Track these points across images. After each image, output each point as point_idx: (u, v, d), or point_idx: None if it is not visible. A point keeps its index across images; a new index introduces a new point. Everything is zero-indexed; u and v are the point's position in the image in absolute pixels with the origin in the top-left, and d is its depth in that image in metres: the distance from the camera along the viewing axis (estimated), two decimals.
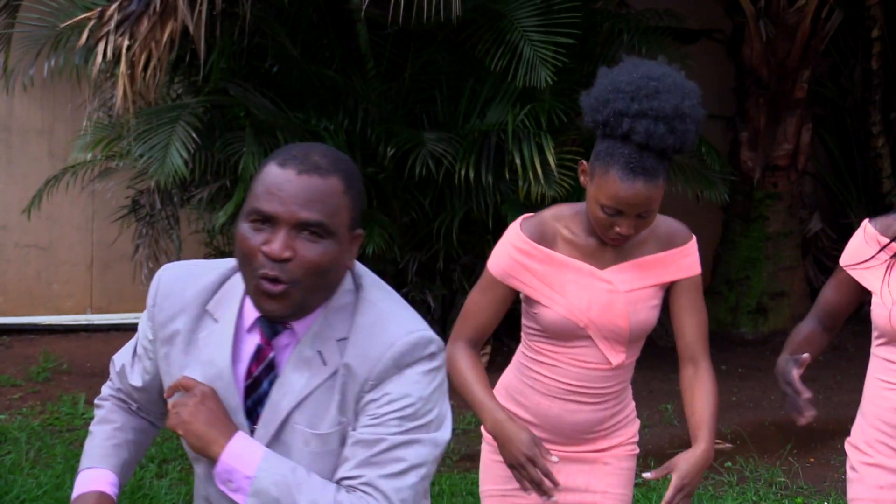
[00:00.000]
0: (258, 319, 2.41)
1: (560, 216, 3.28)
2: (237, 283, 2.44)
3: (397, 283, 8.32)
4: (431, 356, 2.40)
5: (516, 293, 3.34)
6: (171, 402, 2.42)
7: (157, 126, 7.44)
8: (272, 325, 2.40)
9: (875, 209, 10.23)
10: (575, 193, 7.80)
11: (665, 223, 3.31)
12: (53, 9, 8.20)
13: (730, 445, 7.01)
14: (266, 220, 2.30)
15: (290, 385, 2.39)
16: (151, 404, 2.66)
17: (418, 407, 2.36)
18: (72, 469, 6.17)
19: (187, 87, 8.39)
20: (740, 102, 9.43)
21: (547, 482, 3.13)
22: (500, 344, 8.46)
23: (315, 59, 8.01)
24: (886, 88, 9.91)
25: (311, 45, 8.09)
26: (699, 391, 3.28)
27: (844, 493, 3.55)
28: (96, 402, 2.73)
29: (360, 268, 2.46)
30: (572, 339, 3.27)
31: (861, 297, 3.41)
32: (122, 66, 6.85)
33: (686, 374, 3.32)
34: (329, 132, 7.75)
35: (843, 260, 3.39)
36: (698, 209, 8.82)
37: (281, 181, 2.29)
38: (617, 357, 3.30)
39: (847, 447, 3.57)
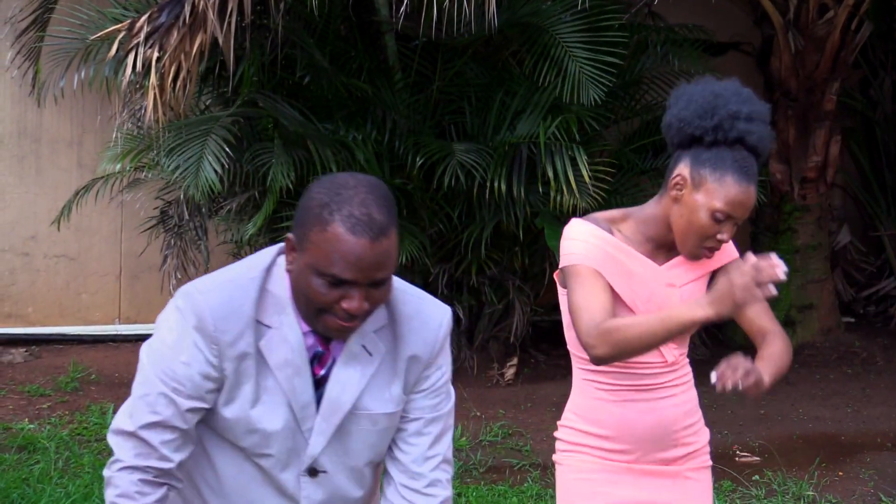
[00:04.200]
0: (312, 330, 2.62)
1: (612, 219, 3.32)
2: (276, 288, 2.60)
3: None
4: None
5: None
6: None
7: (189, 139, 7.47)
8: None
9: None
10: (607, 204, 7.81)
11: None
12: (83, 21, 8.26)
13: (758, 458, 6.99)
14: (343, 282, 2.48)
15: (348, 378, 2.63)
16: (189, 440, 2.65)
17: (450, 372, 2.79)
18: (100, 479, 6.19)
19: (216, 98, 8.42)
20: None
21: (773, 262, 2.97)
22: (526, 356, 8.48)
23: (344, 71, 8.04)
24: None
25: (340, 57, 8.12)
26: (767, 347, 3.28)
27: None
28: (119, 488, 2.58)
29: None
30: None
31: None
32: (152, 78, 6.89)
33: (758, 344, 3.33)
34: (357, 143, 7.77)
35: None
36: None
37: (358, 252, 2.45)
38: (669, 353, 3.33)
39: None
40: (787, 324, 9.23)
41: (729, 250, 3.35)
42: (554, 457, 3.49)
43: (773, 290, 2.97)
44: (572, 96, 7.56)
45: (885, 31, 9.66)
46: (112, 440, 2.61)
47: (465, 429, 7.33)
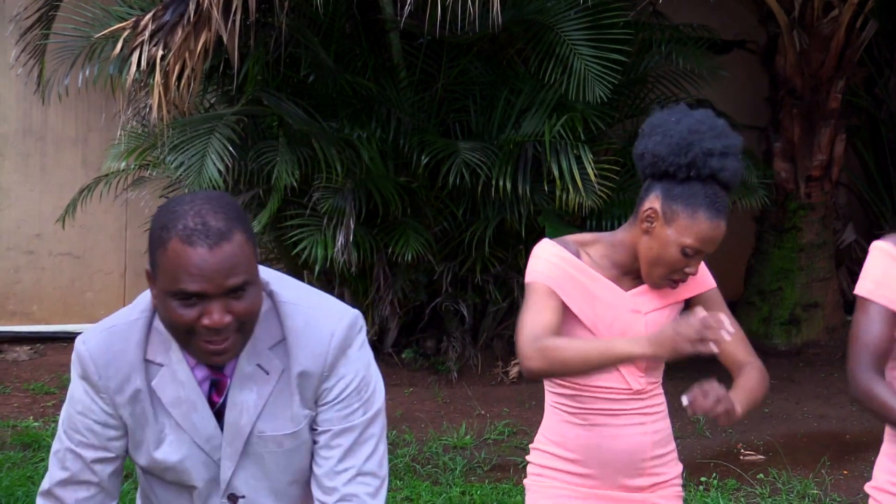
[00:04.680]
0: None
1: (582, 242, 3.33)
2: (160, 328, 2.56)
3: (430, 292, 8.34)
4: (360, 329, 2.64)
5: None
6: None
7: (193, 137, 7.48)
8: None
9: None
10: (613, 203, 7.82)
11: None
12: (88, 19, 8.27)
13: (762, 457, 6.99)
14: (195, 296, 2.42)
15: (243, 403, 2.58)
16: (109, 496, 2.68)
17: (366, 378, 2.64)
18: None
19: (220, 96, 8.43)
20: (774, 113, 9.40)
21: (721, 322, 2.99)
22: None
23: (348, 69, 8.04)
24: None
25: (345, 55, 8.12)
26: (741, 376, 3.27)
27: None
28: None
29: (261, 271, 2.58)
30: None
31: None
32: (157, 76, 6.89)
33: (734, 375, 3.32)
34: (362, 141, 7.77)
35: (868, 289, 3.21)
36: (731, 220, 8.77)
37: (197, 261, 2.40)
38: (636, 381, 3.31)
39: (871, 491, 3.38)
40: (792, 322, 9.22)
41: (703, 280, 3.35)
42: (525, 481, 3.48)
43: (713, 349, 2.97)
44: (577, 94, 7.56)
45: (891, 30, 9.64)
46: (38, 502, 2.68)
47: (469, 427, 7.33)
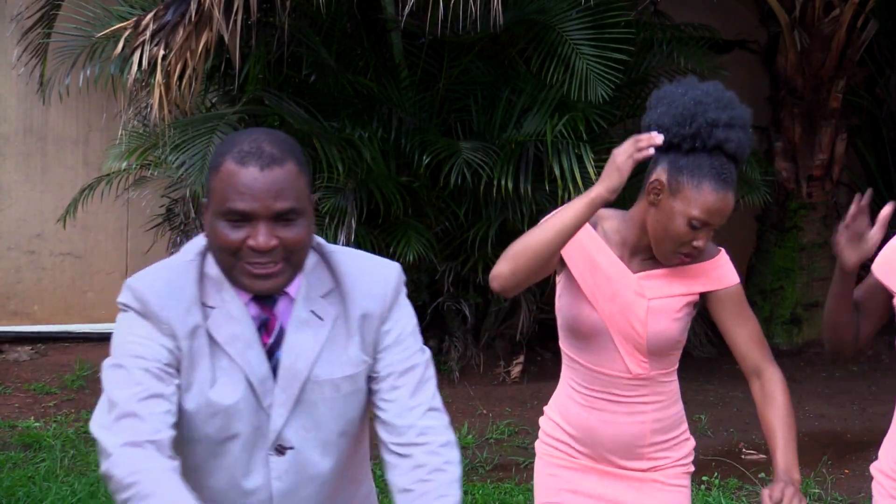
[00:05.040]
0: (252, 297, 2.58)
1: (602, 216, 3.30)
2: (212, 270, 2.57)
3: (432, 292, 8.34)
4: (404, 280, 2.71)
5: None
6: None
7: (194, 136, 7.48)
8: (265, 297, 2.58)
9: None
10: (614, 201, 7.81)
11: None
12: (89, 19, 8.27)
13: (764, 456, 6.99)
14: (243, 218, 2.47)
15: (301, 345, 2.57)
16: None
17: (416, 324, 2.70)
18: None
19: (222, 96, 8.43)
20: (775, 112, 9.41)
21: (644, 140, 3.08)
22: (533, 353, 8.48)
23: (350, 69, 8.04)
24: None
25: (346, 55, 8.12)
26: (770, 410, 3.25)
27: None
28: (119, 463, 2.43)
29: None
30: (593, 338, 3.27)
31: (890, 306, 3.32)
32: (158, 76, 6.89)
33: (755, 391, 3.29)
34: (363, 141, 7.77)
35: (877, 265, 3.36)
36: (733, 218, 8.77)
37: (248, 180, 2.46)
38: (637, 366, 3.28)
39: (875, 472, 3.43)
40: (793, 321, 9.23)
41: (724, 276, 3.32)
42: (535, 444, 3.49)
43: (650, 152, 3.06)
44: (579, 94, 7.56)
45: (891, 29, 9.65)
46: (99, 432, 2.50)
47: (471, 426, 7.33)
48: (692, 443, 3.50)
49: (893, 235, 3.36)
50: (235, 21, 6.85)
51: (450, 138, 8.00)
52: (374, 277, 2.65)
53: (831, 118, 9.29)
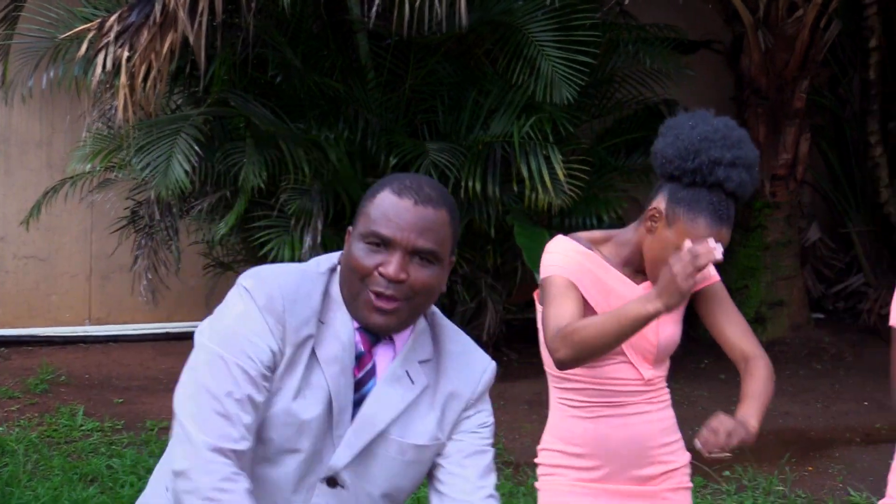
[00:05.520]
0: (360, 328, 2.59)
1: (593, 239, 3.36)
2: (334, 290, 2.61)
3: None
4: (495, 379, 2.73)
5: None
6: None
7: (159, 138, 7.46)
8: (374, 334, 2.60)
9: (873, 218, 10.25)
10: (582, 202, 7.84)
11: None
12: (53, 20, 8.23)
13: (728, 454, 7.00)
14: (383, 244, 2.51)
15: (388, 399, 2.60)
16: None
17: (493, 422, 2.73)
18: (69, 481, 6.17)
19: (187, 97, 8.40)
20: (739, 112, 9.46)
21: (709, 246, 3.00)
22: (499, 354, 8.48)
23: (316, 70, 8.03)
24: (884, 98, 9.94)
25: (312, 56, 8.11)
26: (749, 379, 3.27)
27: (842, 502, 3.52)
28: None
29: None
30: (607, 356, 3.29)
31: None
32: (122, 78, 6.87)
33: (740, 370, 3.33)
34: (330, 142, 7.76)
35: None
36: None
37: (400, 210, 2.51)
38: (647, 371, 3.34)
39: None
40: (758, 320, 9.28)
41: (710, 273, 3.33)
42: (536, 483, 3.50)
43: (712, 272, 3.07)
44: (545, 95, 7.58)
45: (854, 30, 9.72)
46: (188, 427, 2.46)
47: None
48: (688, 455, 3.52)
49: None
50: (200, 22, 6.84)
51: (416, 139, 8.00)
52: (473, 364, 2.71)
53: (795, 118, 9.34)
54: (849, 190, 10.28)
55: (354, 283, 2.54)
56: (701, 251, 2.92)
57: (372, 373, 2.61)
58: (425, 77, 8.11)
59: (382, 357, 2.62)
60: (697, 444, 2.99)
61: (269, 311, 2.52)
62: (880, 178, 9.91)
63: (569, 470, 3.40)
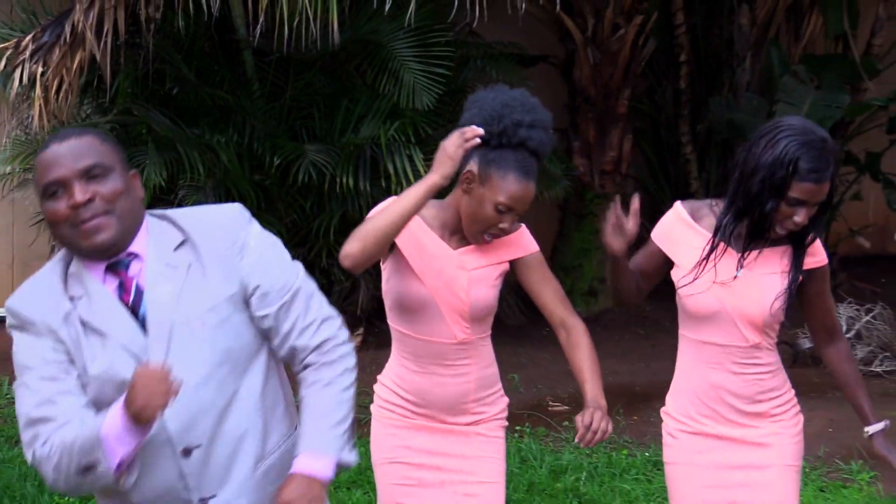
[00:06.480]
0: (105, 269, 2.50)
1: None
2: (73, 267, 2.52)
3: None
4: (249, 215, 2.60)
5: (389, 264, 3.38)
6: None
7: None
8: (117, 263, 2.49)
9: None
10: (442, 195, 7.87)
11: None
12: None
13: (567, 407, 7.13)
14: (60, 187, 2.43)
15: (160, 297, 2.47)
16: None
17: (277, 244, 2.61)
18: None
19: (95, 107, 8.26)
20: (572, 117, 9.56)
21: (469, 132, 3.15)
22: (371, 326, 8.50)
23: (208, 83, 7.95)
24: (693, 105, 10.12)
25: (205, 70, 8.04)
26: (577, 353, 3.31)
27: (661, 445, 3.63)
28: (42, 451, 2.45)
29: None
30: (421, 311, 3.30)
31: (666, 266, 3.46)
32: (38, 90, 6.76)
33: (562, 340, 3.37)
34: (221, 145, 7.70)
35: (655, 234, 3.48)
36: (539, 208, 8.93)
37: (52, 155, 2.46)
38: (461, 332, 3.32)
39: (664, 415, 3.56)
40: (591, 293, 9.39)
41: (526, 244, 3.39)
42: (371, 406, 3.51)
43: (476, 142, 3.12)
44: (408, 102, 7.61)
45: (667, 47, 9.88)
46: (27, 433, 2.47)
47: None
48: (506, 400, 3.56)
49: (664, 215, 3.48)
50: (106, 42, 6.74)
51: (297, 142, 7.97)
52: (216, 220, 2.58)
53: (619, 122, 9.47)
54: (665, 182, 10.45)
55: (67, 233, 2.46)
56: (466, 130, 3.09)
57: (140, 289, 2.49)
58: (303, 88, 8.09)
59: (139, 271, 2.50)
60: (580, 442, 3.07)
61: (23, 325, 2.50)
62: (690, 172, 10.09)
63: (397, 407, 3.42)
